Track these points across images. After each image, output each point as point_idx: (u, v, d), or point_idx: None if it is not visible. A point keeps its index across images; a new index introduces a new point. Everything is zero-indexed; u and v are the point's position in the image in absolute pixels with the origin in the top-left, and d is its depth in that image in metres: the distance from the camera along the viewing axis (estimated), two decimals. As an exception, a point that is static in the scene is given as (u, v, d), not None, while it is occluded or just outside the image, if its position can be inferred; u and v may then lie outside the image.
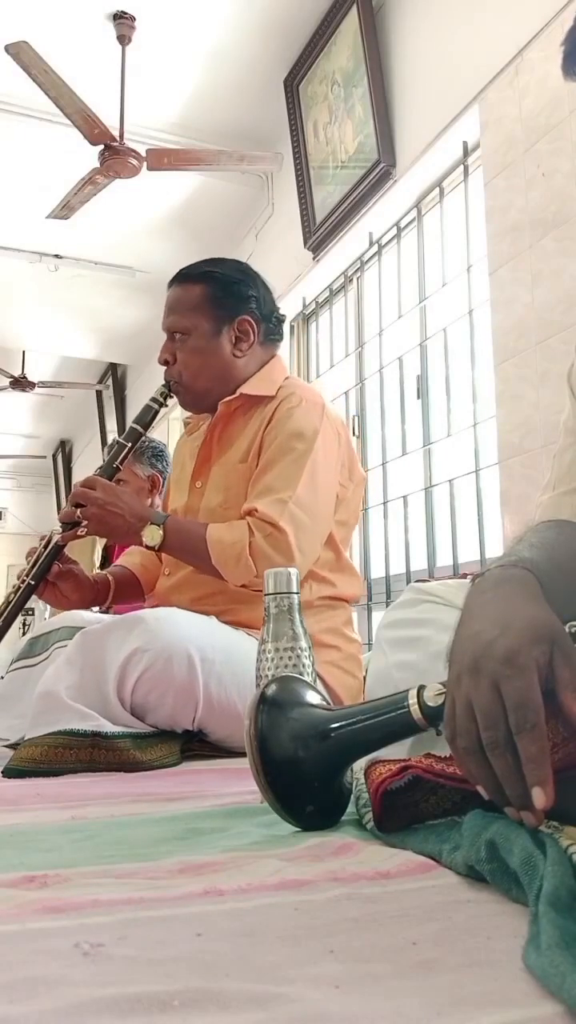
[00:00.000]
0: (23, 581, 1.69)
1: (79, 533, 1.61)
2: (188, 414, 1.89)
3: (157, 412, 1.72)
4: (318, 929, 0.49)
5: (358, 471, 1.73)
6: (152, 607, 1.72)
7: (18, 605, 1.70)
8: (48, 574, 1.70)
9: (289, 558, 1.49)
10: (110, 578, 1.86)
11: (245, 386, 1.69)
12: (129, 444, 1.70)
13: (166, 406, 1.74)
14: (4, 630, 1.68)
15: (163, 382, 1.72)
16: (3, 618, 1.68)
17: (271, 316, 1.76)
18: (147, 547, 1.57)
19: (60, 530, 1.64)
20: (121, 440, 1.71)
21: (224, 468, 1.69)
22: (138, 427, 1.70)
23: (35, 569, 1.68)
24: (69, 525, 1.61)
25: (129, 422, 1.72)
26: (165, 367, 1.71)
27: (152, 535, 1.55)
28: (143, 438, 1.78)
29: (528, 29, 2.38)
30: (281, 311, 1.83)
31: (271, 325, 1.75)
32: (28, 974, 0.41)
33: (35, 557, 1.69)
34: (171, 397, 1.73)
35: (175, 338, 1.70)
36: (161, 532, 1.54)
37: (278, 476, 1.56)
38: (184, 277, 1.73)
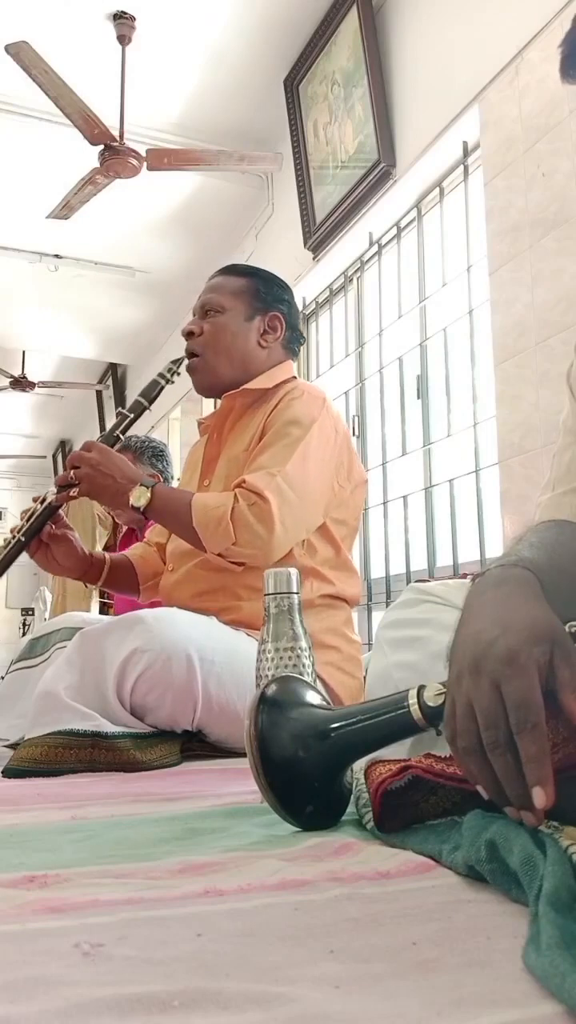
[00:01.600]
0: (15, 537, 1.69)
1: (71, 494, 1.62)
2: (201, 416, 1.91)
3: (163, 387, 1.73)
4: (318, 929, 0.49)
5: (358, 471, 1.74)
6: (151, 605, 1.72)
7: (7, 560, 1.69)
8: (41, 533, 1.70)
9: (270, 529, 1.50)
10: (107, 558, 1.87)
11: (250, 383, 1.73)
12: (132, 415, 1.71)
13: (172, 382, 1.75)
14: None
15: (172, 359, 1.75)
16: None
17: (296, 327, 1.84)
18: (134, 509, 1.58)
19: (56, 491, 1.65)
20: (124, 411, 1.72)
21: (227, 461, 1.72)
22: (143, 400, 1.72)
23: (28, 526, 1.68)
24: (64, 487, 1.62)
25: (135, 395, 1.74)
26: (188, 337, 1.75)
27: (139, 495, 1.56)
28: (147, 411, 1.78)
29: (528, 29, 2.38)
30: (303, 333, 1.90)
31: (294, 334, 1.83)
32: (28, 974, 0.41)
33: (29, 514, 1.70)
34: (177, 374, 1.74)
35: (207, 315, 1.76)
36: (149, 494, 1.56)
37: (271, 456, 1.59)
38: (231, 269, 1.84)
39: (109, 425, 1.87)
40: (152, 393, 1.72)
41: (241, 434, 1.72)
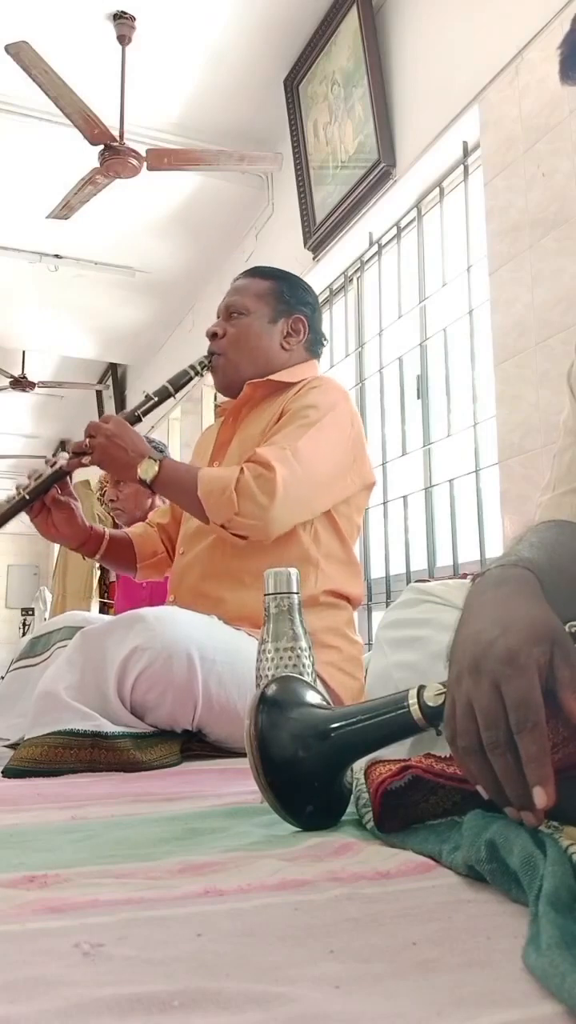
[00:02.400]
0: (19, 494, 1.70)
1: (84, 462, 1.65)
2: (221, 399, 1.95)
3: (191, 379, 1.76)
4: (318, 929, 0.49)
5: (368, 472, 1.76)
6: (152, 603, 1.72)
7: (8, 514, 1.70)
8: (45, 495, 1.71)
9: (271, 498, 1.51)
10: (106, 531, 1.88)
11: (274, 375, 1.75)
12: (156, 399, 1.73)
13: (201, 376, 1.78)
14: None
15: (204, 354, 1.77)
16: None
17: (319, 330, 1.86)
18: (141, 482, 1.60)
19: (68, 457, 1.67)
20: (150, 394, 1.74)
21: (242, 443, 1.73)
22: (170, 387, 1.73)
23: (35, 485, 1.69)
24: (78, 454, 1.65)
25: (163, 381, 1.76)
26: (212, 339, 1.77)
27: (147, 468, 1.59)
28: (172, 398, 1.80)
29: (528, 29, 2.38)
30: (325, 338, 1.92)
31: (316, 336, 1.85)
32: (28, 974, 0.41)
33: (37, 475, 1.71)
34: (207, 368, 1.77)
35: (231, 316, 1.77)
36: (157, 467, 1.59)
37: (284, 435, 1.62)
38: (256, 271, 1.86)
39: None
40: (181, 381, 1.74)
41: (257, 419, 1.74)
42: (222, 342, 1.76)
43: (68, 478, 1.74)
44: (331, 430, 1.64)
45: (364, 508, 1.81)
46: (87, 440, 1.63)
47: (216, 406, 1.94)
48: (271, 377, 1.75)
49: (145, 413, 1.72)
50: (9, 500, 1.71)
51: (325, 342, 1.90)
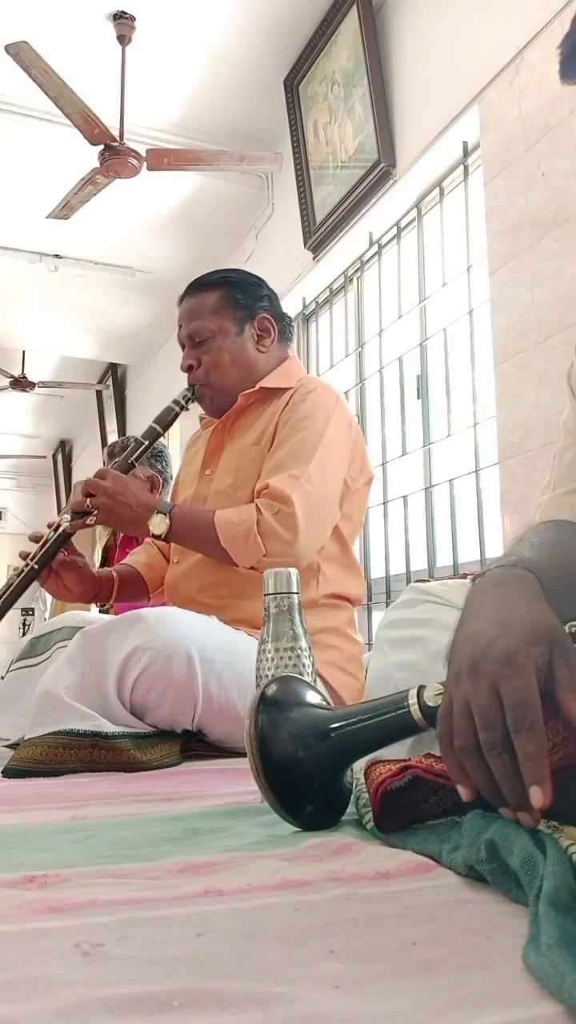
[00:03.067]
0: (27, 565, 1.68)
1: (88, 522, 1.62)
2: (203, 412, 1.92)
3: (178, 414, 1.74)
4: (318, 929, 0.49)
5: (368, 469, 1.75)
6: (159, 604, 1.72)
7: (20, 588, 1.68)
8: (52, 561, 1.69)
9: (295, 533, 1.51)
10: (114, 575, 1.86)
11: (265, 380, 1.73)
12: (147, 442, 1.71)
13: (187, 409, 1.75)
14: (4, 611, 1.67)
15: (187, 386, 1.75)
16: (4, 599, 1.67)
17: (283, 316, 1.82)
18: (155, 536, 1.58)
19: (70, 518, 1.64)
20: (139, 438, 1.73)
21: (235, 452, 1.71)
22: (157, 427, 1.72)
23: (41, 553, 1.68)
24: (79, 514, 1.62)
25: (150, 421, 1.74)
26: (188, 372, 1.74)
27: (159, 524, 1.56)
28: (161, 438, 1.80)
29: (528, 29, 2.38)
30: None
31: (284, 323, 1.81)
32: (28, 974, 0.41)
33: (42, 542, 1.69)
34: (193, 401, 1.75)
35: (197, 344, 1.73)
36: (168, 520, 1.56)
37: (289, 454, 1.59)
38: (200, 286, 1.78)
39: (109, 426, 1.84)
40: (167, 419, 1.72)
41: (250, 427, 1.72)
42: (199, 373, 1.72)
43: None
44: (334, 442, 1.62)
45: (365, 505, 1.80)
46: (87, 500, 1.59)
47: (200, 418, 1.93)
48: (262, 385, 1.72)
49: (138, 459, 1.70)
50: (19, 572, 1.68)
51: (292, 321, 1.84)
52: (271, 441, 1.65)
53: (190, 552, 1.67)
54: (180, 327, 1.77)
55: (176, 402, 1.72)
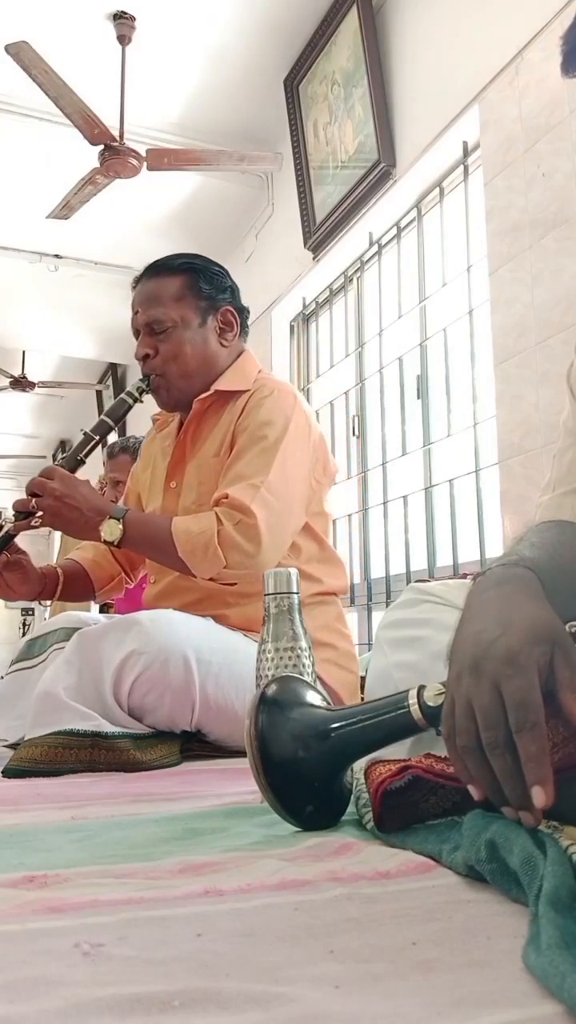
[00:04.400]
0: None
1: (32, 524, 1.55)
2: (156, 410, 1.85)
3: (130, 407, 1.67)
4: (318, 929, 0.49)
5: (332, 463, 1.71)
6: (131, 608, 1.71)
7: None
8: None
9: (257, 545, 1.46)
10: (59, 572, 1.80)
11: (219, 382, 1.67)
12: (96, 437, 1.64)
13: (141, 402, 1.68)
14: None
15: (139, 377, 1.68)
16: None
17: (243, 309, 1.75)
18: (106, 543, 1.52)
19: (12, 519, 1.57)
20: (88, 432, 1.65)
21: (198, 465, 1.66)
22: (108, 420, 1.65)
23: None
24: (23, 515, 1.55)
25: (100, 415, 1.67)
26: (143, 361, 1.67)
27: (111, 530, 1.49)
28: (113, 431, 1.71)
29: (528, 29, 2.38)
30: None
31: (245, 317, 1.75)
32: (28, 974, 0.41)
33: None
34: (147, 393, 1.68)
35: (154, 331, 1.66)
36: (120, 527, 1.49)
37: (248, 463, 1.54)
38: (162, 268, 1.69)
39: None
40: (118, 412, 1.66)
41: (209, 436, 1.66)
42: (156, 362, 1.65)
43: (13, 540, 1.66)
44: (294, 447, 1.57)
45: (328, 495, 1.73)
46: (32, 501, 1.51)
47: (153, 419, 1.88)
48: (217, 387, 1.65)
49: (87, 455, 1.61)
50: None
51: (248, 313, 1.76)
52: (230, 450, 1.60)
53: (167, 572, 1.61)
54: (136, 312, 1.68)
55: (129, 394, 1.64)
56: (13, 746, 1.51)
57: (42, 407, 7.93)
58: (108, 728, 1.36)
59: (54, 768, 1.29)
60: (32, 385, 6.56)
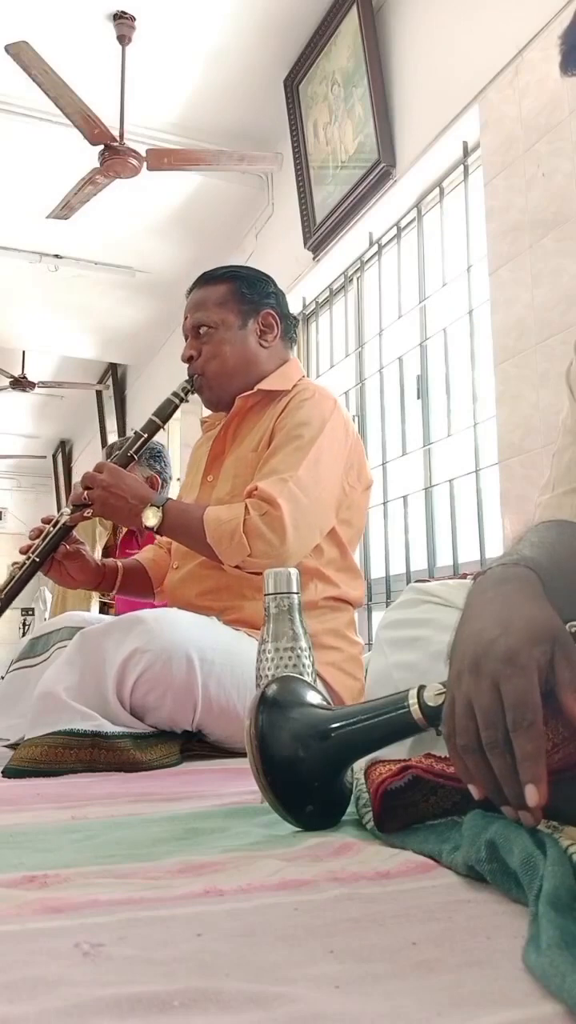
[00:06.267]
0: (28, 559, 1.70)
1: (85, 514, 1.65)
2: (205, 413, 1.92)
3: (177, 407, 1.74)
4: (318, 929, 0.49)
5: (367, 474, 1.75)
6: (162, 605, 1.73)
7: (22, 581, 1.70)
8: (55, 552, 1.71)
9: (282, 537, 1.50)
10: (119, 565, 1.88)
11: (263, 383, 1.73)
12: (146, 435, 1.72)
13: (187, 401, 1.76)
14: (6, 605, 1.68)
15: (186, 378, 1.75)
16: (6, 593, 1.68)
17: (288, 315, 1.82)
18: (147, 528, 1.60)
19: (70, 511, 1.67)
20: (139, 431, 1.73)
21: (235, 459, 1.71)
22: (157, 420, 1.72)
23: (42, 546, 1.69)
24: (78, 507, 1.64)
25: (149, 414, 1.74)
26: (188, 363, 1.75)
27: (152, 516, 1.58)
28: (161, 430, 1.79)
29: (528, 29, 2.38)
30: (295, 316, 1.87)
31: (288, 323, 1.82)
32: (28, 974, 0.41)
33: (42, 535, 1.70)
34: (192, 393, 1.75)
35: (200, 335, 1.74)
36: (161, 513, 1.58)
37: (282, 460, 1.59)
38: (208, 278, 1.80)
39: (109, 426, 1.84)
40: (166, 412, 1.72)
41: (249, 433, 1.72)
42: (199, 363, 1.73)
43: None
44: (328, 448, 1.62)
45: (366, 509, 1.80)
46: (84, 492, 1.62)
47: (202, 422, 1.94)
48: (260, 387, 1.72)
49: (138, 452, 1.71)
50: (21, 566, 1.70)
51: (297, 322, 1.85)
52: (267, 446, 1.66)
53: (190, 557, 1.68)
54: (186, 318, 1.79)
55: (175, 394, 1.72)
56: (13, 746, 1.51)
57: (42, 407, 7.93)
58: (108, 728, 1.36)
59: (54, 768, 1.29)
60: (32, 385, 6.56)
